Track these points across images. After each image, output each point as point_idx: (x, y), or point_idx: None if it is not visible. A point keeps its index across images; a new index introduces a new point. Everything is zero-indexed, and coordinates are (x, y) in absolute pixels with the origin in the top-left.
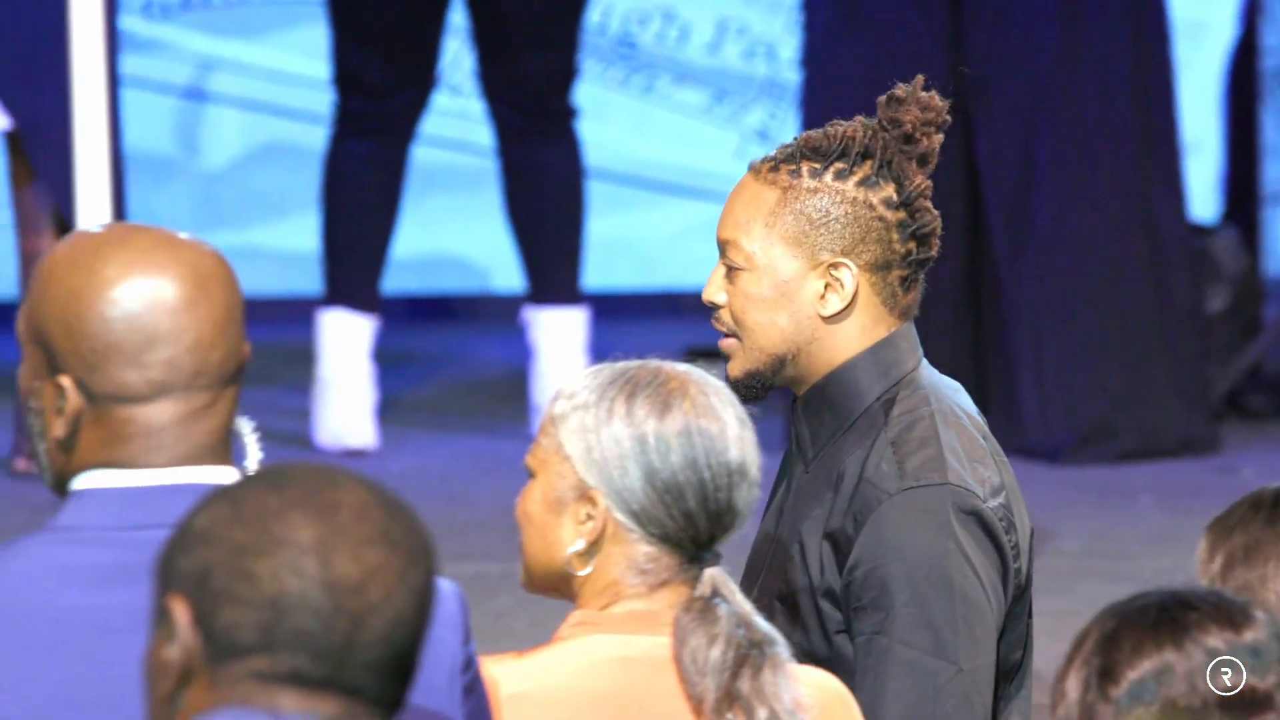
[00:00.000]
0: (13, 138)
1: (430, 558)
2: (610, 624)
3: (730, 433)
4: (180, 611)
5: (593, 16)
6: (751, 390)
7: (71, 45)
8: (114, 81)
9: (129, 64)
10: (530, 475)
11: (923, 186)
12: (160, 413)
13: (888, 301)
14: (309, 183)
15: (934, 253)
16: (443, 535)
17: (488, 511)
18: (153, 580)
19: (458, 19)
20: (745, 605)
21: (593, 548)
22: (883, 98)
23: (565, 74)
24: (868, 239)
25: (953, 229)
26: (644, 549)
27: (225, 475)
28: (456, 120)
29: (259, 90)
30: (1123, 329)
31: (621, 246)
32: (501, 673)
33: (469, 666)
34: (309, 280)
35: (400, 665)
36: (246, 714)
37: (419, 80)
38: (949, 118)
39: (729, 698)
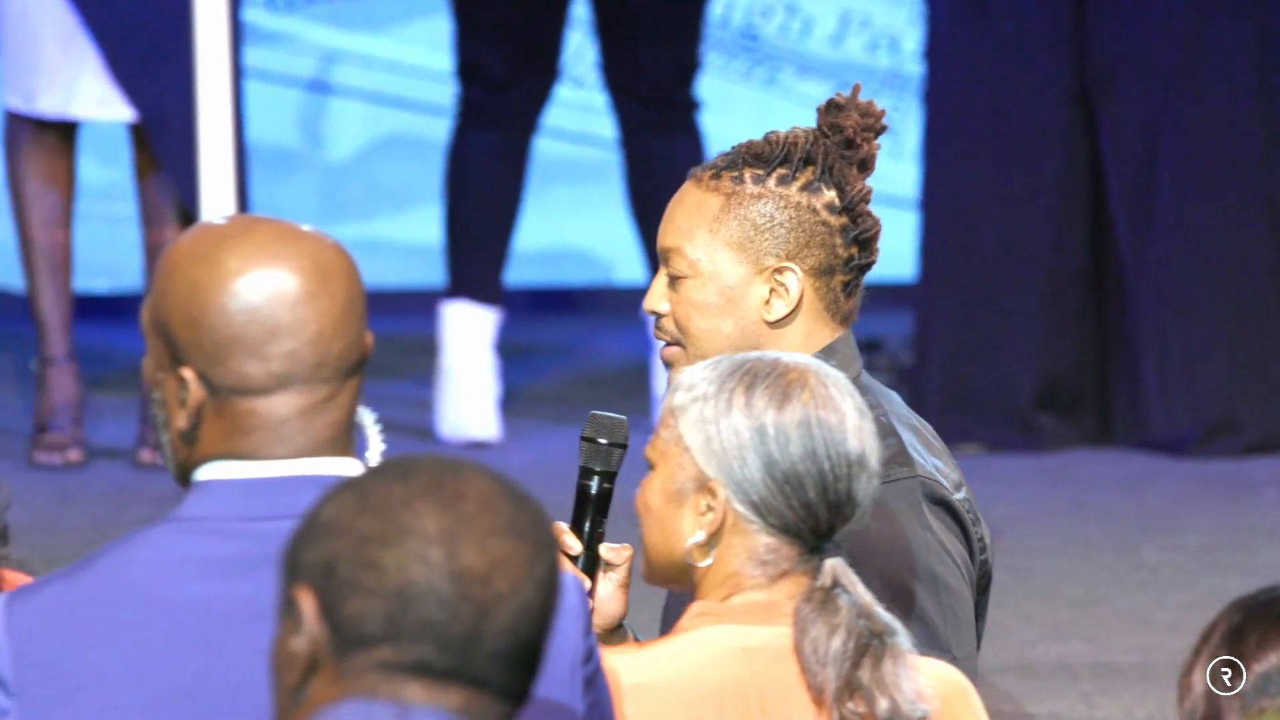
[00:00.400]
0: (137, 130)
1: (555, 549)
2: (730, 615)
3: (849, 423)
4: (306, 602)
5: (716, 9)
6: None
7: (196, 38)
8: (238, 74)
9: (252, 56)
10: (650, 467)
11: (864, 191)
12: (282, 405)
13: (830, 307)
14: (432, 175)
15: (875, 258)
16: None
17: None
18: (279, 572)
19: (580, 11)
20: (866, 596)
21: (713, 539)
22: (822, 104)
23: (688, 66)
24: (812, 244)
25: (1076, 222)
26: (764, 540)
27: (348, 467)
28: (579, 112)
29: (382, 82)
30: (1247, 322)
31: None
32: (622, 663)
33: (590, 658)
34: (432, 272)
35: (525, 657)
36: (372, 705)
37: (542, 72)
38: (887, 124)
39: (849, 688)
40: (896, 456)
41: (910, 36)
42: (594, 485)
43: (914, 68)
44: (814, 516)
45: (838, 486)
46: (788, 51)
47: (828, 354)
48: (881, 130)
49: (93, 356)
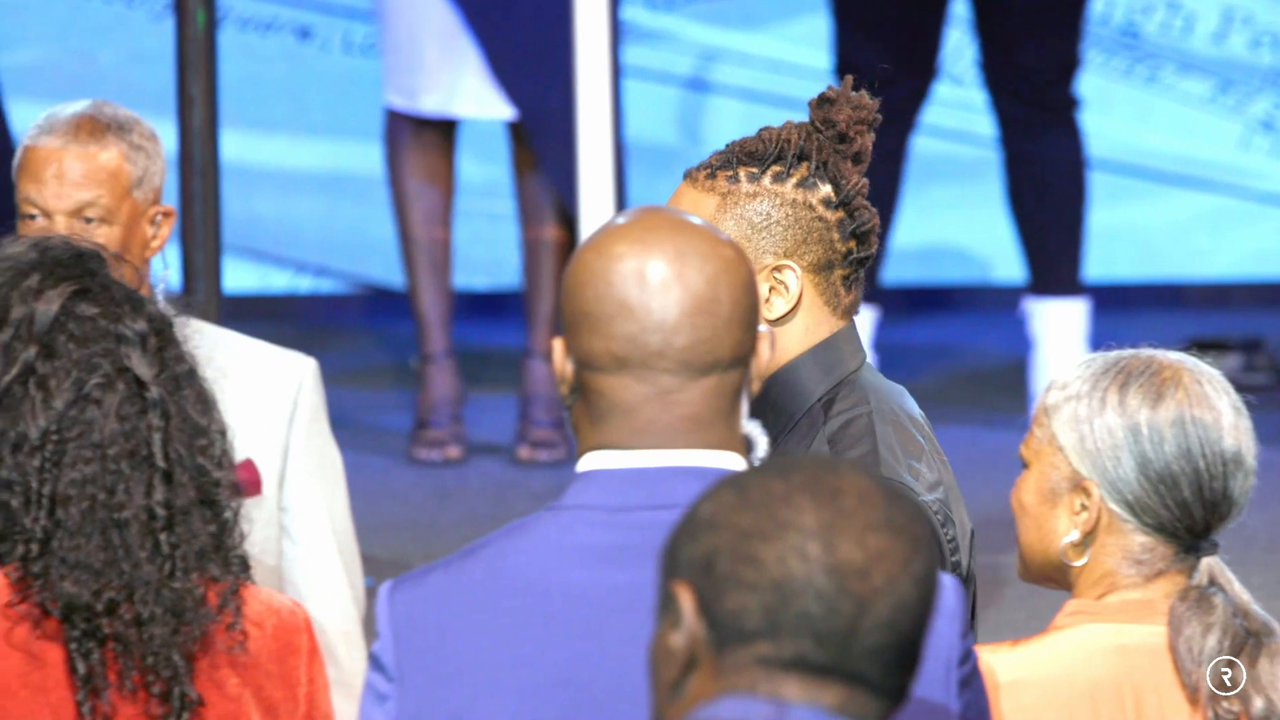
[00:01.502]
0: (516, 128)
1: (933, 546)
2: (1106, 613)
3: (1225, 421)
4: (685, 598)
5: (1096, 6)
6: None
7: (576, 37)
8: (617, 72)
9: (631, 55)
10: (1025, 465)
11: (860, 185)
12: (623, 389)
13: (830, 301)
14: None
15: (873, 250)
16: None
17: (986, 502)
18: (658, 568)
19: (960, 9)
20: (1243, 595)
21: (1087, 538)
22: (814, 99)
23: (1068, 64)
24: (809, 240)
25: None
26: (1139, 539)
27: (727, 460)
28: (958, 111)
29: (760, 81)
30: None
31: (1124, 237)
32: (997, 660)
33: (966, 659)
34: None
35: (903, 654)
36: (750, 701)
37: (920, 70)
38: (880, 115)
39: (1224, 687)
40: (864, 459)
41: None
42: None
43: None
44: (1189, 516)
45: (1213, 485)
46: (1169, 49)
47: (827, 348)
48: (874, 123)
49: (472, 353)
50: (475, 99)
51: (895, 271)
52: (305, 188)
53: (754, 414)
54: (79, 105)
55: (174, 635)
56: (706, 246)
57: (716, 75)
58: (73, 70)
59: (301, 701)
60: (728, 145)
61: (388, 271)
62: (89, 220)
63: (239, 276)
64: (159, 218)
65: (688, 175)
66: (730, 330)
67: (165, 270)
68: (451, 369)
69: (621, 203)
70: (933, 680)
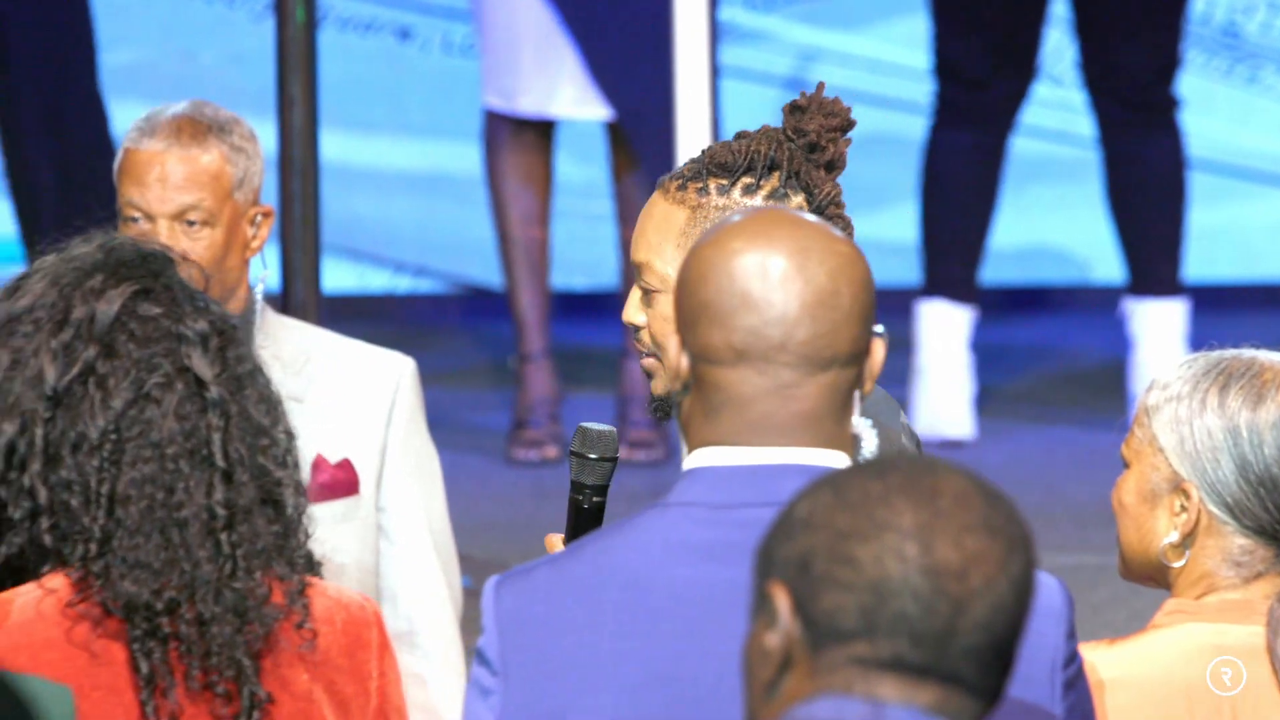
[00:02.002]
0: (614, 129)
1: (1030, 547)
2: (1204, 613)
3: None
4: (781, 598)
5: (1196, 6)
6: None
7: (675, 37)
8: (715, 72)
9: (730, 55)
10: (1125, 465)
11: (833, 193)
12: (741, 381)
13: None
14: (908, 173)
15: None
16: (1039, 526)
17: (1084, 503)
18: (754, 568)
19: (1060, 9)
20: None
21: (1187, 540)
22: (786, 106)
23: (1168, 65)
24: None
25: None
26: (1238, 541)
27: (833, 459)
28: (1057, 111)
29: (859, 80)
30: None
31: (1223, 237)
32: (1096, 657)
33: (1071, 661)
34: (908, 271)
35: (999, 654)
36: (846, 701)
37: (1020, 71)
38: (854, 120)
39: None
40: None
41: None
42: (585, 500)
43: None
44: None
45: None
46: (1269, 49)
47: None
48: (848, 128)
49: (570, 353)
50: (573, 99)
51: (994, 272)
52: (404, 188)
53: None
54: (179, 106)
55: (238, 634)
56: (827, 242)
57: (815, 75)
58: (174, 70)
59: (373, 695)
60: (699, 154)
61: (486, 271)
62: (191, 223)
63: (338, 276)
64: (258, 218)
65: (659, 185)
66: (849, 325)
67: (264, 270)
68: (549, 369)
69: None
70: (1037, 682)
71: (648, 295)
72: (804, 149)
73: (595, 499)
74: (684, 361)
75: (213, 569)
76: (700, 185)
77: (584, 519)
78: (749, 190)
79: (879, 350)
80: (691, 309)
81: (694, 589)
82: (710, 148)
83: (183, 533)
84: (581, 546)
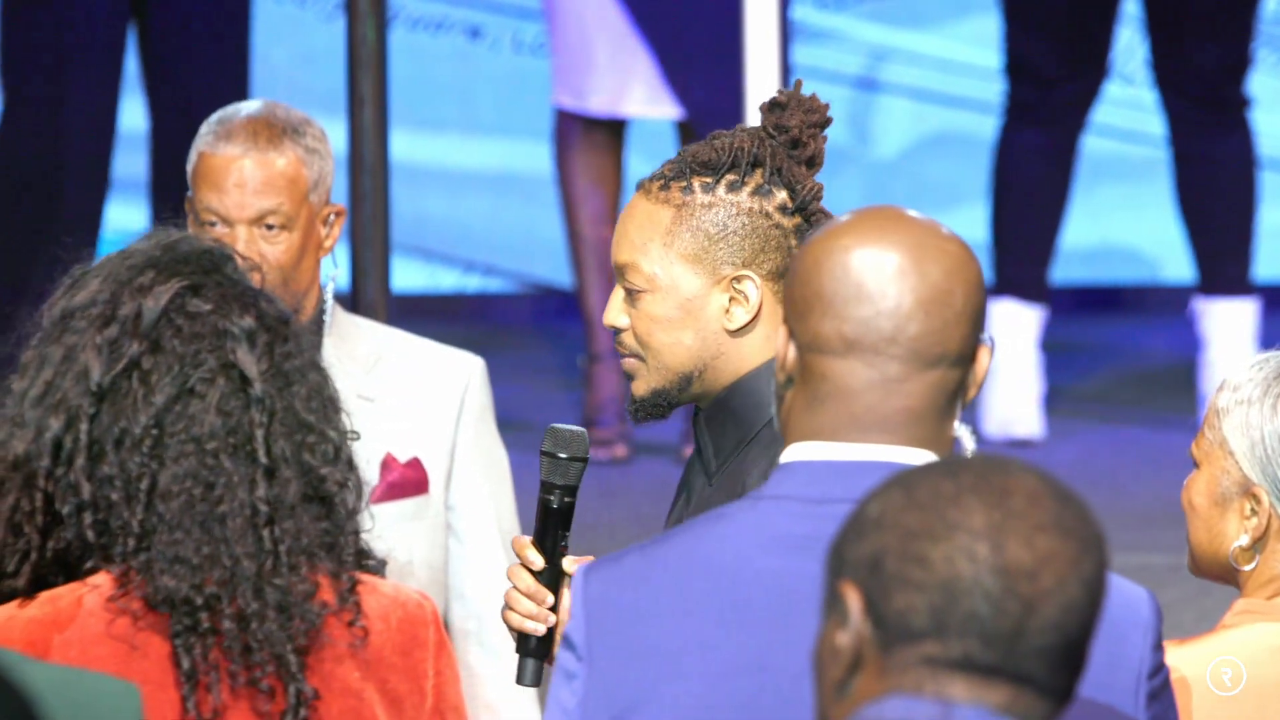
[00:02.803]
0: (685, 128)
1: (1102, 548)
2: (1274, 613)
3: None
4: (852, 598)
5: (1268, 5)
6: (657, 409)
7: (745, 36)
8: (786, 71)
9: (800, 54)
10: (1195, 465)
11: (815, 190)
12: (850, 373)
13: None
14: (979, 172)
15: None
16: (1108, 526)
17: (1153, 503)
18: (825, 567)
19: (1131, 7)
20: None
21: (1257, 543)
22: (764, 103)
23: (1239, 64)
24: (767, 248)
25: None
26: None
27: (921, 458)
28: (1129, 110)
29: (930, 80)
30: None
31: None
32: (1168, 657)
33: (1157, 672)
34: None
35: (1070, 655)
36: (916, 701)
37: (1091, 70)
38: (831, 117)
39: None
40: None
41: None
42: (555, 500)
43: None
44: None
45: None
46: None
47: None
48: (826, 124)
49: None
50: (644, 99)
51: (1064, 271)
52: (474, 187)
53: (713, 424)
54: (251, 107)
55: (281, 630)
56: (941, 241)
57: (886, 75)
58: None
59: (429, 694)
60: (679, 154)
61: (556, 271)
62: (270, 227)
63: (408, 276)
64: (331, 217)
65: (640, 186)
66: (960, 325)
67: (334, 270)
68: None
69: None
70: (1122, 691)
71: (630, 296)
72: (785, 145)
73: (565, 499)
74: (791, 352)
75: (253, 565)
76: (684, 184)
77: (553, 519)
78: (733, 187)
79: (985, 357)
80: (805, 298)
81: (783, 581)
82: (690, 147)
83: (223, 528)
84: (673, 535)
